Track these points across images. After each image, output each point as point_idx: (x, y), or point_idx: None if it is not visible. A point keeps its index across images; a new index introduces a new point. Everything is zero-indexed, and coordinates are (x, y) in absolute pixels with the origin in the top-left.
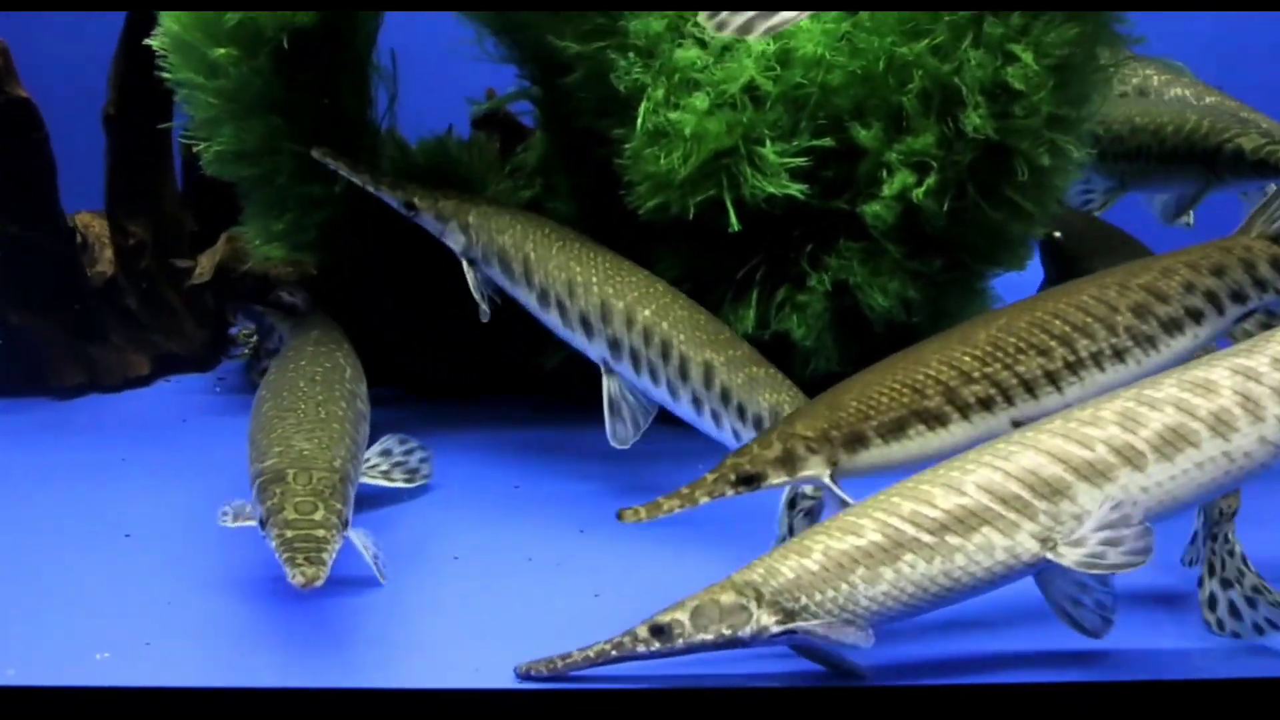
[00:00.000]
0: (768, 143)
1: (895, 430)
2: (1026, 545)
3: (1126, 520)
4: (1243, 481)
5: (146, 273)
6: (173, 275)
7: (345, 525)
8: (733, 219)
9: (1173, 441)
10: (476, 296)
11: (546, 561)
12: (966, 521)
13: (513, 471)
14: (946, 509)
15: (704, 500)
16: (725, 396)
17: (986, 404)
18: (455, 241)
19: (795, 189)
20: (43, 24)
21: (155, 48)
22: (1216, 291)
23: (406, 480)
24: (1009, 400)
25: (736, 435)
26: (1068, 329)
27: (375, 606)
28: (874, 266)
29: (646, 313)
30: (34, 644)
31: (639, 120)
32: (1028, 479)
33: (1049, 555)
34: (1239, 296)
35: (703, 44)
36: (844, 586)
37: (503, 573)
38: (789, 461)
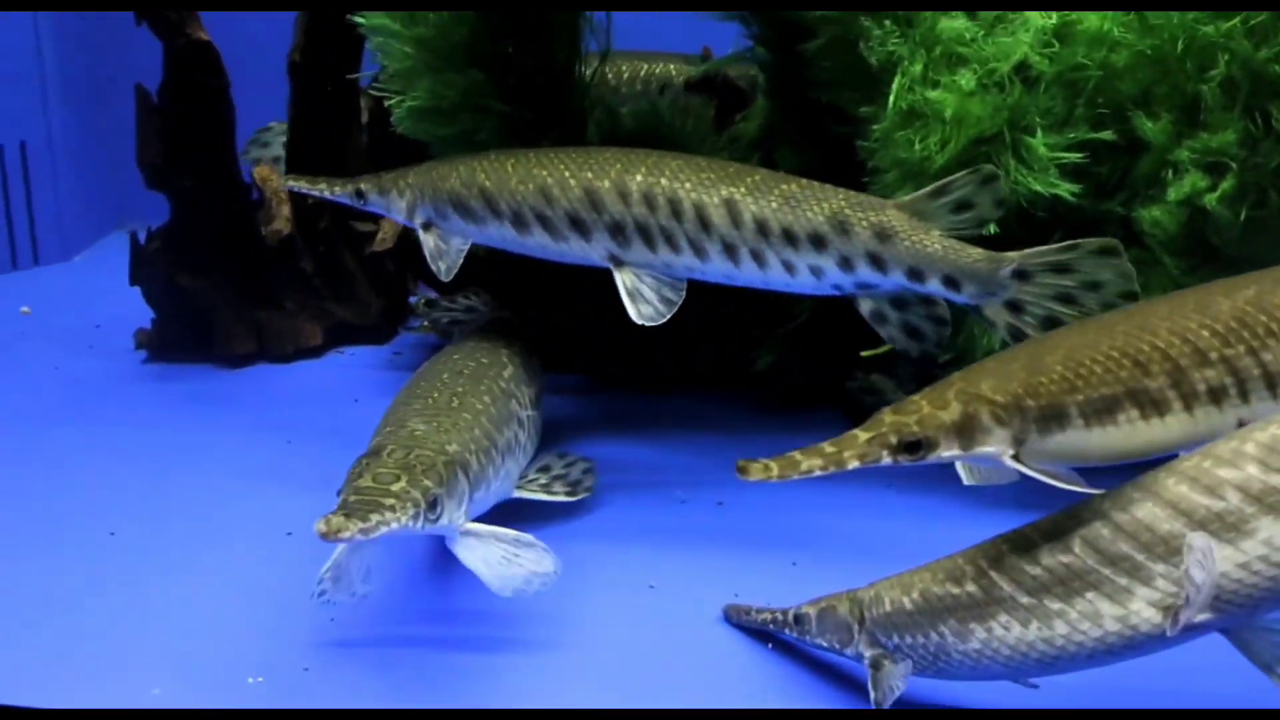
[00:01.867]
0: (1038, 131)
1: (1104, 411)
2: (1144, 615)
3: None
4: None
5: (325, 235)
6: (353, 239)
7: (435, 509)
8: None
9: None
10: (432, 263)
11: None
12: (1069, 584)
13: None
14: (1048, 566)
15: (853, 464)
16: (763, 229)
17: (1216, 396)
18: (401, 209)
19: (1065, 189)
20: None
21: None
22: None
23: (569, 493)
24: (1244, 395)
25: (791, 268)
26: None
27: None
28: (1143, 281)
29: (638, 178)
30: (184, 660)
31: (891, 97)
32: (1141, 535)
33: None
34: None
35: (972, 13)
36: (934, 636)
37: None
38: (967, 430)
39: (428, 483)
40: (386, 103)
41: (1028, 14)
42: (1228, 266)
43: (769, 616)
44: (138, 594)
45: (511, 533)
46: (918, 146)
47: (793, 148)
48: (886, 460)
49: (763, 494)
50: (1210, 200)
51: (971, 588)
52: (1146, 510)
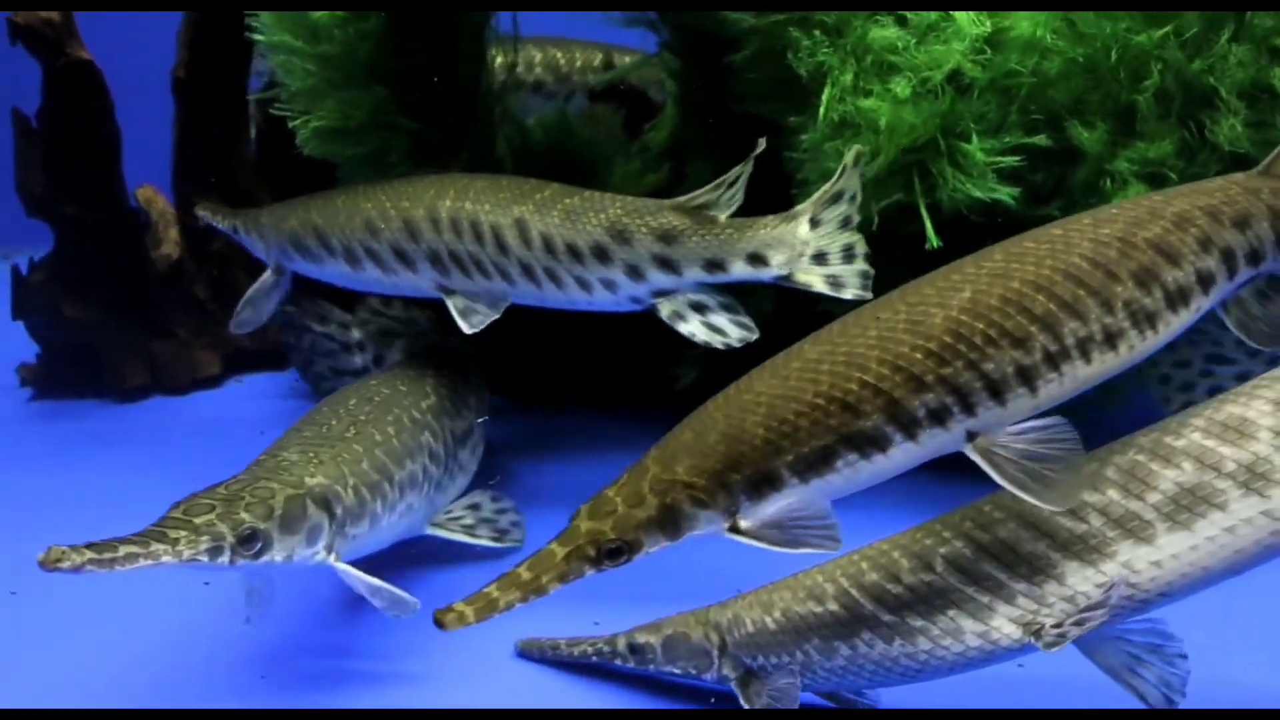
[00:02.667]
0: (974, 137)
1: (819, 463)
2: (1005, 630)
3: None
4: None
5: (217, 257)
6: (248, 261)
7: (253, 544)
8: (930, 232)
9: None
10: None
11: None
12: (931, 602)
13: None
14: (910, 585)
15: (555, 588)
16: (549, 246)
17: (940, 416)
18: (261, 249)
19: (1005, 193)
20: None
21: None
22: (1234, 250)
23: (493, 539)
24: (969, 409)
25: (585, 285)
26: (1053, 307)
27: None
28: None
29: (446, 204)
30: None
31: (822, 108)
32: (1005, 556)
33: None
34: (1255, 257)
35: (903, 21)
36: (798, 655)
37: None
38: (670, 522)
39: (244, 516)
40: (291, 123)
41: (960, 21)
42: None
43: (588, 649)
44: (48, 657)
45: (373, 581)
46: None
47: (708, 159)
48: (591, 572)
49: None
50: None
51: (834, 606)
52: (1009, 530)
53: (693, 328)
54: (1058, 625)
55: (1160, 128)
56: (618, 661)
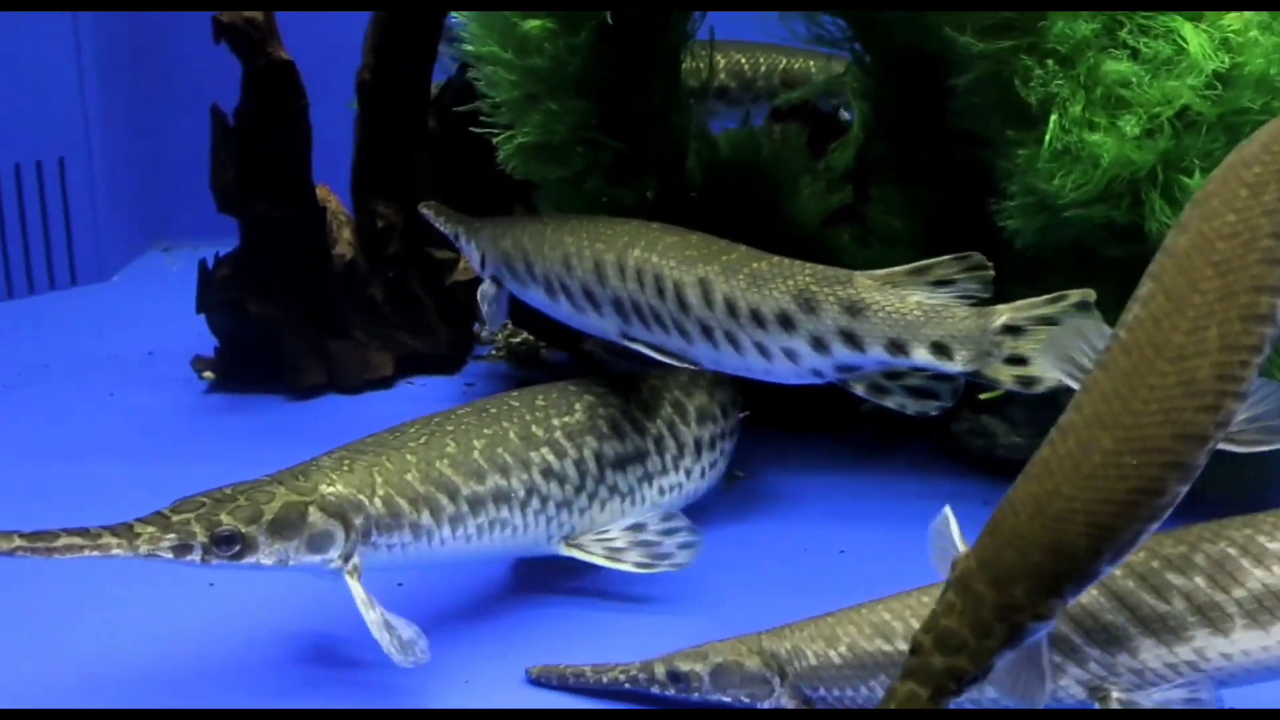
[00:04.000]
0: (1196, 174)
1: (1128, 549)
2: (1071, 691)
3: None
4: None
5: (393, 260)
6: (424, 265)
7: (231, 546)
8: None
9: None
10: (482, 309)
11: None
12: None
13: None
14: None
15: None
16: (732, 309)
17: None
18: (476, 259)
19: None
20: None
21: (456, 16)
22: None
23: (641, 566)
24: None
25: (765, 353)
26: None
27: None
28: None
29: (636, 253)
30: None
31: (1047, 136)
32: (1084, 621)
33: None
34: None
35: (1136, 54)
36: (864, 690)
37: None
38: (1016, 640)
39: (223, 517)
40: (495, 139)
41: (1194, 55)
42: None
43: (619, 675)
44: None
45: (378, 615)
46: (1056, 181)
47: (897, 182)
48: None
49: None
50: None
51: (903, 646)
52: (1091, 597)
53: (900, 399)
54: (1123, 694)
55: None
56: (654, 689)
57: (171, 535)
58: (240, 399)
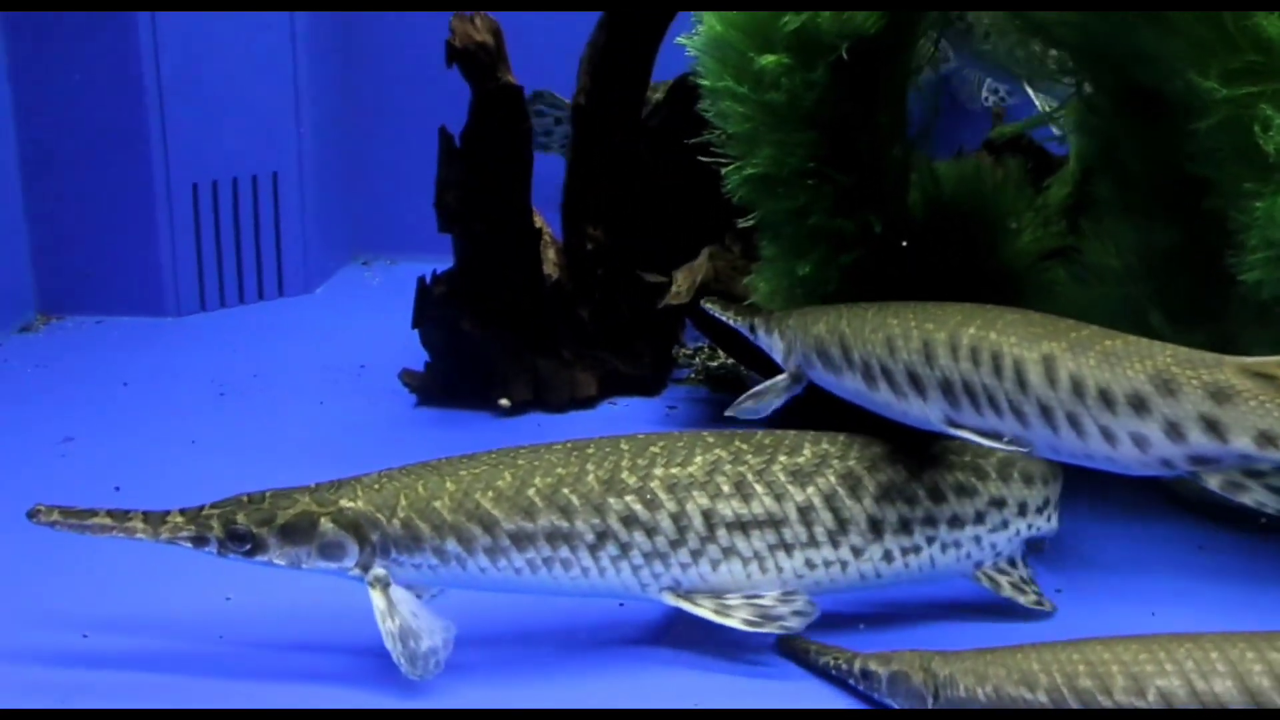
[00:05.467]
0: None
1: None
2: None
3: None
4: None
5: (601, 282)
6: (632, 288)
7: (241, 544)
8: None
9: None
10: (762, 400)
11: None
12: None
13: None
14: (1120, 703)
15: None
16: (1079, 389)
17: None
18: (776, 351)
19: None
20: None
21: (689, 48)
22: None
23: (749, 623)
24: None
25: (1110, 438)
26: None
27: None
28: None
29: (971, 330)
30: None
31: None
32: (1213, 706)
33: None
34: None
35: None
36: None
37: None
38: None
39: (240, 516)
40: (723, 170)
41: None
42: None
43: (830, 661)
44: None
45: (391, 625)
46: None
47: (1125, 221)
48: None
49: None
50: None
51: (1043, 698)
52: (1225, 687)
53: (1260, 496)
54: None
55: None
56: (851, 680)
57: (192, 528)
58: (448, 413)
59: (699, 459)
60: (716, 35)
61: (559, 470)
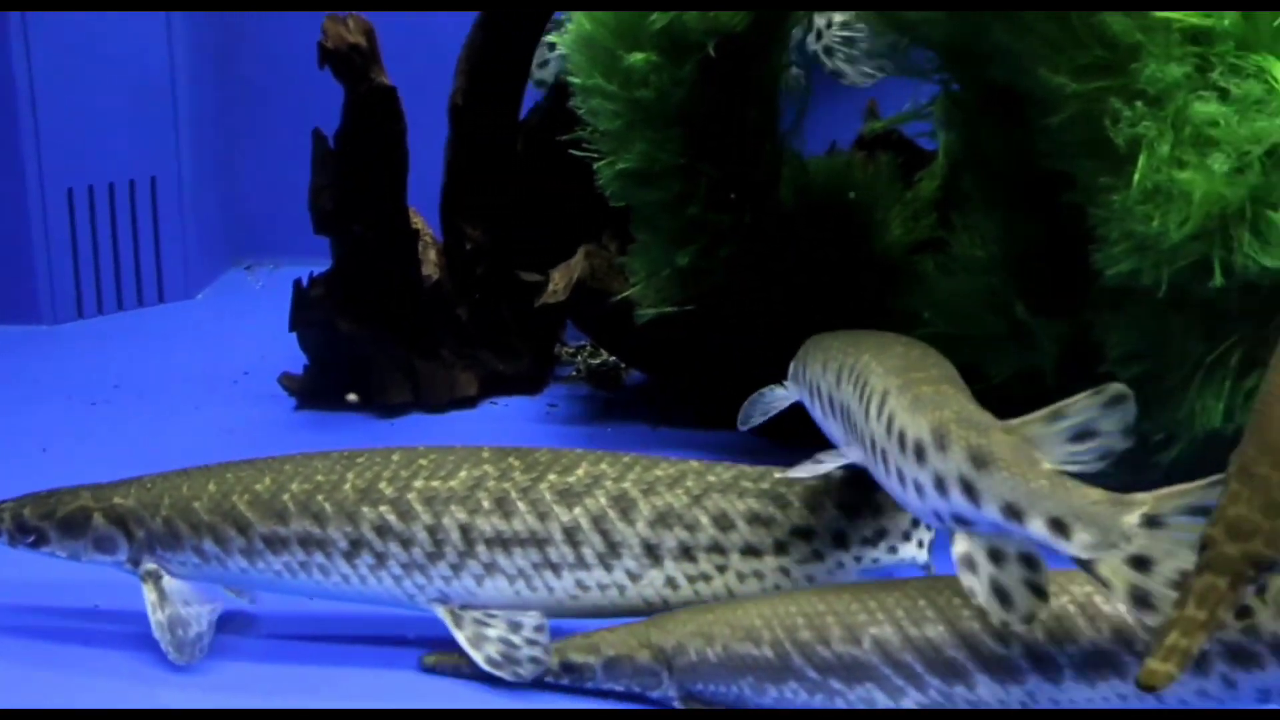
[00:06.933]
0: None
1: None
2: (910, 708)
3: None
4: None
5: (480, 282)
6: (511, 288)
7: (26, 535)
8: (1218, 275)
9: None
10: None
11: None
12: (854, 672)
13: None
14: (838, 653)
15: (1229, 618)
16: (889, 426)
17: None
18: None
19: None
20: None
21: (560, 46)
22: None
23: (491, 662)
24: None
25: (903, 479)
26: None
27: None
28: None
29: (864, 358)
30: None
31: (1136, 176)
32: (928, 653)
33: None
34: None
35: (1225, 94)
36: (734, 689)
37: None
38: None
39: (26, 510)
40: (595, 165)
41: None
42: None
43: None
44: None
45: (160, 616)
46: (1155, 223)
47: (990, 213)
48: (1247, 595)
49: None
50: None
51: (769, 652)
52: (938, 633)
53: (974, 581)
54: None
55: None
56: (548, 679)
57: None
58: (327, 416)
59: (463, 474)
60: (586, 34)
61: (319, 477)
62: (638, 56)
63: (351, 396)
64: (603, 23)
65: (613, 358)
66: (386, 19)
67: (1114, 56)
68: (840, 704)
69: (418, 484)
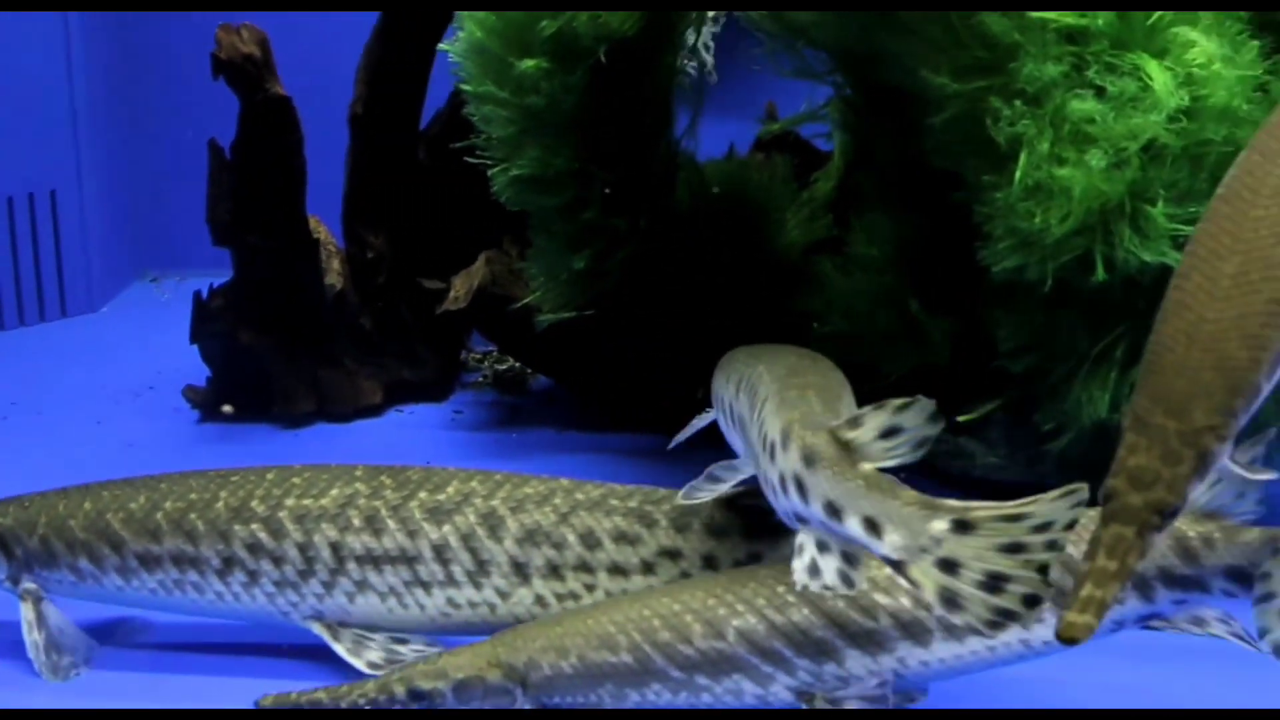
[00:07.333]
0: (1160, 203)
1: (1277, 362)
2: (781, 695)
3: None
4: None
5: (383, 290)
6: (414, 295)
7: None
8: (1100, 270)
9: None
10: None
11: None
12: (720, 666)
13: None
14: (702, 649)
15: (1137, 566)
16: (762, 428)
17: None
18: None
19: (1174, 258)
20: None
21: (451, 54)
22: None
23: (372, 665)
24: None
25: (766, 476)
26: None
27: None
28: None
29: (760, 368)
30: None
31: (1017, 173)
32: (795, 637)
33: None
34: None
35: (1101, 92)
36: (594, 697)
37: None
38: (1204, 468)
39: None
40: (490, 172)
41: (1158, 93)
42: None
43: (359, 698)
44: None
45: (34, 637)
46: (1037, 219)
47: (883, 212)
48: (1153, 542)
49: None
50: None
51: (628, 658)
52: (803, 616)
53: (795, 563)
54: (828, 696)
55: None
56: (396, 707)
57: None
58: (231, 428)
59: (335, 491)
60: (477, 41)
61: (192, 496)
62: (529, 63)
63: (226, 408)
64: (493, 30)
65: (518, 364)
66: (287, 28)
67: (993, 56)
68: (707, 699)
69: (289, 502)
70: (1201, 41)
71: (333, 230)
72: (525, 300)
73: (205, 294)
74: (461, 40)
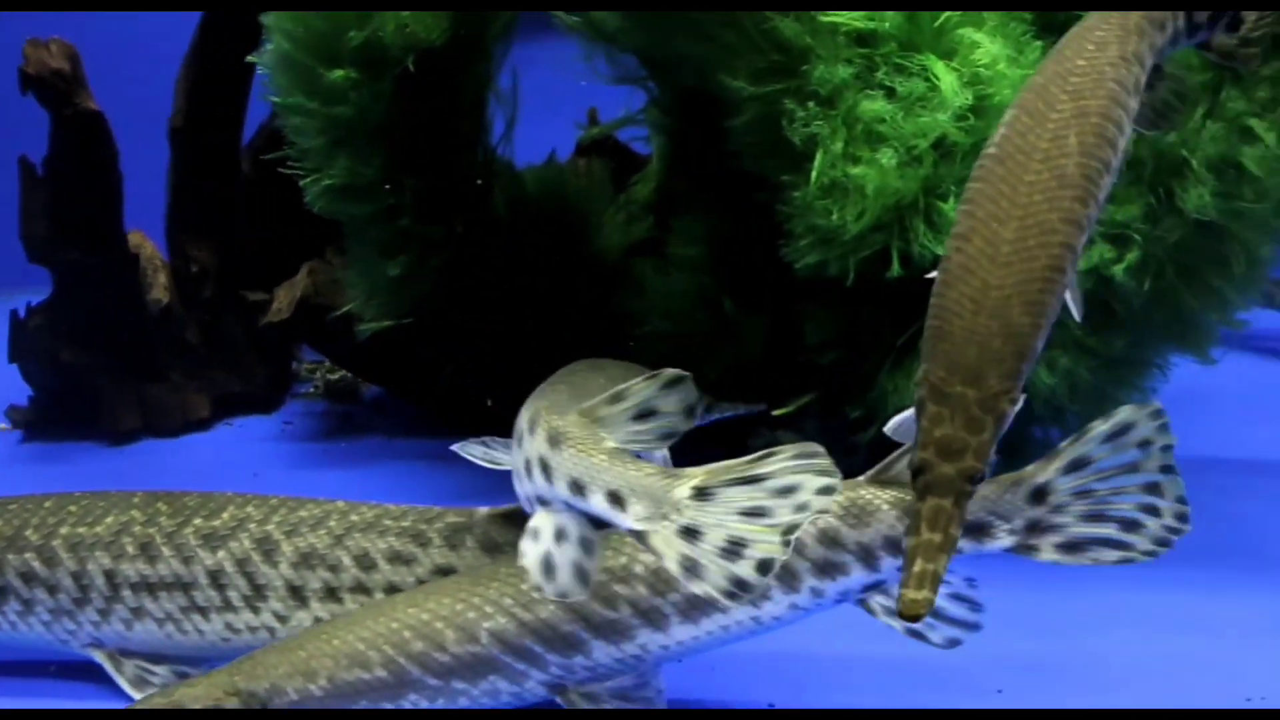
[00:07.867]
0: (951, 199)
1: (1052, 319)
2: (535, 690)
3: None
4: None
5: (208, 303)
6: (239, 307)
7: None
8: (895, 265)
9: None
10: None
11: None
12: (476, 669)
13: None
14: (457, 655)
15: (959, 534)
16: (532, 422)
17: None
18: None
19: None
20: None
21: (259, 66)
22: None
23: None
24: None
25: (517, 466)
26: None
27: None
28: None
29: (556, 375)
30: None
31: (813, 173)
32: (544, 633)
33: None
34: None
35: (892, 93)
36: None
37: None
38: (999, 432)
39: None
40: (301, 182)
41: (945, 93)
42: (1123, 331)
43: None
44: None
45: None
46: (835, 217)
47: (696, 213)
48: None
49: None
50: (1116, 271)
51: (381, 673)
52: (550, 612)
53: (530, 548)
54: (582, 690)
55: (1129, 192)
56: None
57: None
58: (56, 448)
59: (110, 519)
60: (285, 53)
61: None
62: (337, 73)
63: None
64: (299, 41)
65: (349, 374)
66: (105, 40)
67: (787, 60)
68: (464, 702)
69: (64, 530)
70: (986, 43)
71: (158, 244)
72: (345, 309)
73: (22, 313)
74: (270, 52)
